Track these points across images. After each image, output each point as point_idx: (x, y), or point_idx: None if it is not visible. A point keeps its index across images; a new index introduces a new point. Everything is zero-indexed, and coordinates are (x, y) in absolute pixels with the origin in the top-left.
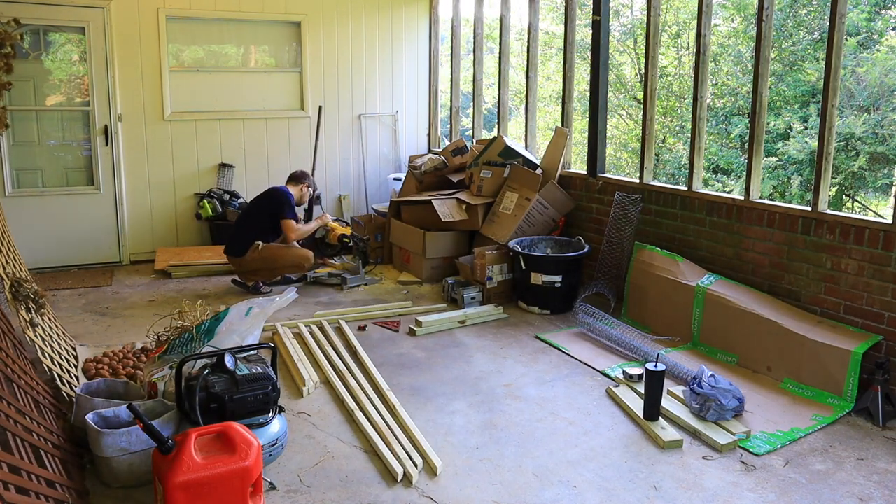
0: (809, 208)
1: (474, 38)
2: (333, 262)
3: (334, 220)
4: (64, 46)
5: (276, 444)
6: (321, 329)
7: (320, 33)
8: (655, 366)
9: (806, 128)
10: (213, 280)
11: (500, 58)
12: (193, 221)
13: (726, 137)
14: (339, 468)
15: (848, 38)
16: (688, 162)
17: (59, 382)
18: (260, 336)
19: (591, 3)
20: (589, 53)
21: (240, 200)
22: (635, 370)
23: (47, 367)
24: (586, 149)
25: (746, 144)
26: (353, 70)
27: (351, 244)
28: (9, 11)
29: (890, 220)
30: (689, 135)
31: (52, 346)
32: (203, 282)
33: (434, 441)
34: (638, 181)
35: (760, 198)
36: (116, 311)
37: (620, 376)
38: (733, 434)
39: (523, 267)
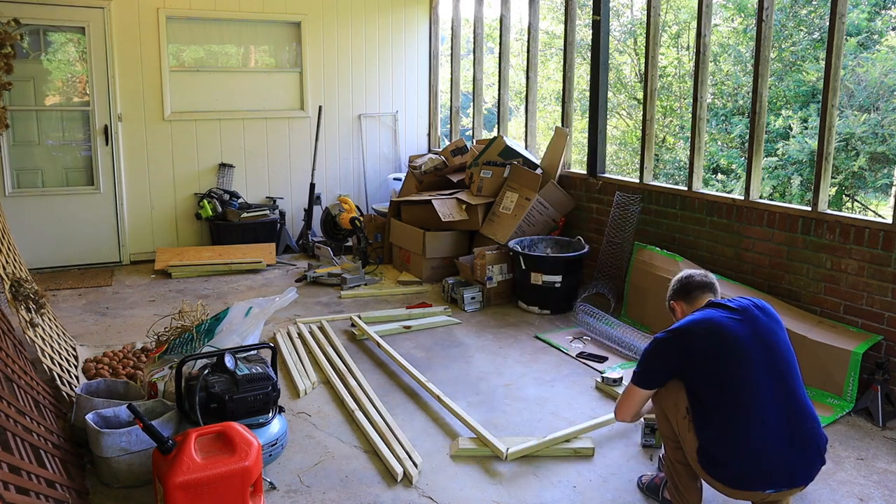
0: (809, 208)
1: (474, 38)
2: (335, 261)
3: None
4: (64, 46)
5: (276, 444)
6: (321, 329)
7: (320, 33)
8: None
9: (806, 128)
10: (213, 280)
11: (500, 58)
12: (193, 221)
13: (726, 137)
14: (339, 468)
15: (848, 38)
16: (688, 162)
17: (59, 382)
18: (260, 335)
19: (591, 3)
20: (589, 53)
21: (240, 200)
22: (615, 374)
23: (47, 367)
24: (586, 149)
25: (746, 144)
26: (353, 70)
27: (360, 225)
28: (9, 11)
29: (890, 220)
30: (689, 135)
31: (52, 346)
32: (203, 282)
33: (434, 441)
34: (638, 181)
35: (760, 198)
36: (116, 311)
37: (600, 381)
38: None
39: (523, 267)
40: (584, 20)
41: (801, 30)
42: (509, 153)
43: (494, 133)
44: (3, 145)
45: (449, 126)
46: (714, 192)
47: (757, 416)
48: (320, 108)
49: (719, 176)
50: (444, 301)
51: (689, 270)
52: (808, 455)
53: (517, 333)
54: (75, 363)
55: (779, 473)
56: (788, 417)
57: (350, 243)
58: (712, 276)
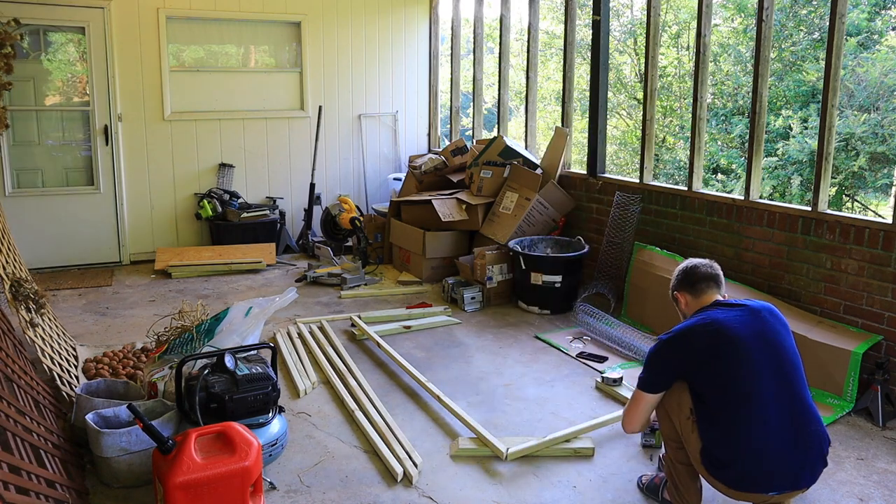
0: (809, 208)
1: (474, 38)
2: (335, 261)
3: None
4: (64, 46)
5: (276, 444)
6: (321, 329)
7: (320, 33)
8: None
9: (806, 128)
10: (213, 280)
11: (500, 58)
12: (193, 221)
13: (726, 137)
14: (339, 468)
15: (848, 38)
16: (688, 162)
17: (59, 382)
18: (260, 335)
19: (591, 3)
20: (589, 53)
21: (240, 200)
22: (615, 374)
23: (47, 367)
24: (586, 149)
25: (746, 144)
26: (353, 70)
27: (360, 225)
28: (9, 11)
29: (890, 220)
30: (689, 135)
31: (52, 346)
32: (203, 282)
33: (434, 441)
34: (638, 181)
35: (760, 198)
36: (116, 311)
37: (600, 381)
38: None
39: (523, 267)
40: (584, 20)
41: (801, 30)
42: (509, 153)
43: (494, 133)
44: (3, 145)
45: (449, 126)
46: (714, 192)
47: (759, 416)
48: (320, 108)
49: (719, 176)
50: (444, 301)
51: (693, 260)
52: (810, 456)
53: (517, 333)
54: (75, 363)
55: (781, 474)
56: (792, 419)
57: (350, 243)
58: (717, 267)
